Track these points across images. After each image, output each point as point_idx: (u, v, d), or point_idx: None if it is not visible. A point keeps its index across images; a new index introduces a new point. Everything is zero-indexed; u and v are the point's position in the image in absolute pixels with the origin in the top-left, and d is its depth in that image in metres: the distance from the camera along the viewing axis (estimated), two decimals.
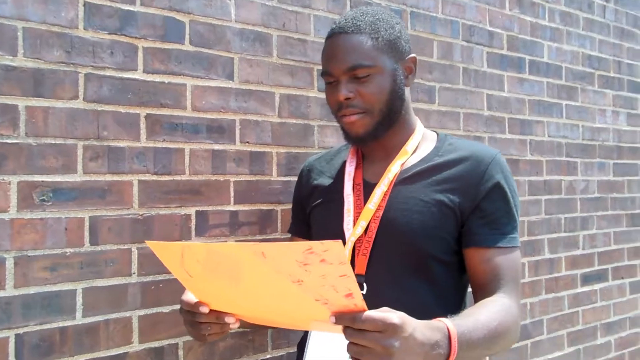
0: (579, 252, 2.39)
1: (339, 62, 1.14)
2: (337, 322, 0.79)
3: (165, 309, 1.35)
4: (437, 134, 1.27)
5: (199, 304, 0.95)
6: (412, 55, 1.22)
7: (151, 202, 1.34)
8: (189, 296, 0.99)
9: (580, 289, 2.40)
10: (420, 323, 0.83)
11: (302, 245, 0.73)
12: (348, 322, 0.78)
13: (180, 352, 1.37)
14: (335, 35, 1.17)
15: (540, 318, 2.23)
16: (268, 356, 1.51)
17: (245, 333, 1.47)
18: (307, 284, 0.77)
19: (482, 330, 0.95)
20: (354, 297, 0.77)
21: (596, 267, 2.47)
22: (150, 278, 1.33)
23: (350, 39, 1.14)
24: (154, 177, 1.35)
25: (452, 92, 1.98)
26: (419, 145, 1.23)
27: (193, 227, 1.40)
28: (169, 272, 1.34)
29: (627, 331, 2.61)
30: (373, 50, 1.14)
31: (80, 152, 1.25)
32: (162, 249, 0.93)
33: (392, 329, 0.77)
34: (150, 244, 0.89)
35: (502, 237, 1.12)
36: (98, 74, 1.28)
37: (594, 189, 2.49)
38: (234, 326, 0.97)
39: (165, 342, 1.35)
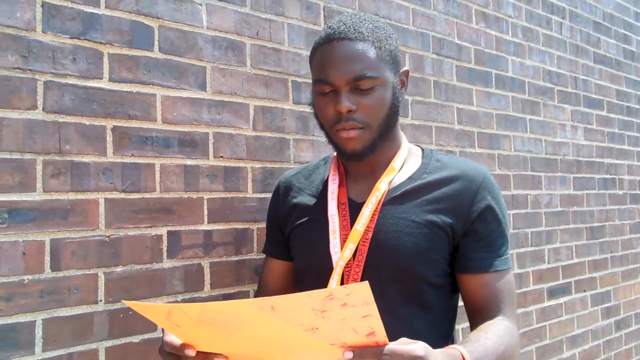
0: (544, 266, 2.41)
1: (342, 70, 1.05)
2: (355, 358, 0.72)
3: (135, 339, 1.23)
4: (422, 149, 1.22)
5: (184, 346, 0.86)
6: (406, 68, 1.16)
7: (119, 223, 1.23)
8: (172, 337, 0.89)
9: (546, 303, 2.41)
10: (440, 352, 0.78)
11: (321, 293, 0.67)
12: (371, 357, 0.72)
13: None
14: (335, 41, 1.07)
15: None
16: None
17: None
18: (323, 331, 0.70)
19: (492, 355, 0.92)
20: (376, 335, 0.70)
21: (561, 281, 2.49)
22: (118, 306, 1.21)
23: (354, 46, 1.06)
24: (122, 195, 1.23)
25: (425, 106, 1.96)
26: (405, 161, 1.17)
27: (165, 248, 1.29)
28: (139, 299, 1.24)
29: (589, 344, 2.64)
30: (377, 61, 1.06)
31: (39, 168, 1.13)
32: (145, 310, 0.83)
33: None
34: (130, 304, 0.79)
35: (498, 259, 1.09)
36: (59, 82, 1.17)
37: (557, 203, 2.52)
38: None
39: None
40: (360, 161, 1.12)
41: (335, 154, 1.22)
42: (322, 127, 1.14)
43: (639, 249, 3.06)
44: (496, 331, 0.99)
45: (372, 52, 1.06)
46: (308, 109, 1.60)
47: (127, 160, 1.25)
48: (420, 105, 1.94)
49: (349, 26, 1.08)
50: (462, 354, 0.84)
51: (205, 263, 1.36)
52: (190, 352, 0.85)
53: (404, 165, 1.16)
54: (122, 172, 1.24)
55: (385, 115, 1.09)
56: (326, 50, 1.09)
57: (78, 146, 1.18)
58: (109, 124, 1.23)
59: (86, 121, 1.20)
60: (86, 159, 1.19)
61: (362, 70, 1.04)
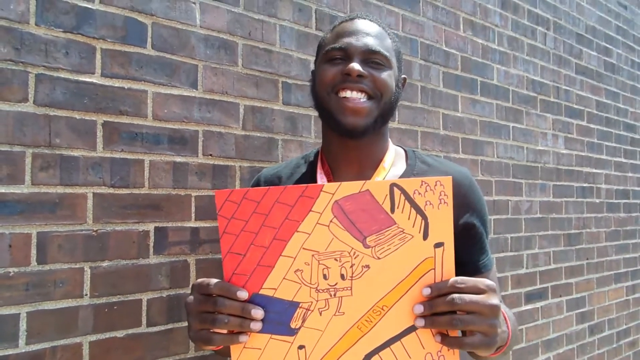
0: (523, 271, 2.46)
1: (360, 40, 1.06)
2: (432, 294, 0.80)
3: (120, 334, 1.23)
4: (405, 150, 1.23)
5: (236, 287, 0.83)
6: (404, 76, 1.18)
7: (107, 217, 1.23)
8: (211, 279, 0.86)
9: (524, 307, 2.46)
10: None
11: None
12: (445, 289, 0.79)
13: None
14: (357, 19, 1.10)
15: None
16: None
17: (204, 357, 1.38)
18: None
19: (509, 313, 0.98)
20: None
21: (538, 286, 2.54)
22: (103, 300, 1.21)
23: (374, 26, 1.10)
24: (111, 190, 1.24)
25: (411, 111, 1.98)
26: (392, 162, 1.19)
27: (151, 244, 1.30)
28: (125, 294, 1.24)
29: (564, 347, 2.70)
30: (390, 49, 1.10)
31: (28, 160, 1.13)
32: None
33: (491, 290, 0.80)
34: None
35: (489, 260, 1.12)
36: (51, 75, 1.17)
37: (537, 209, 2.57)
38: (255, 327, 0.83)
39: None
40: (353, 138, 1.07)
41: (319, 149, 1.20)
42: (318, 97, 1.10)
43: (613, 256, 3.13)
44: (510, 315, 1.03)
45: (388, 40, 1.10)
46: (297, 110, 1.62)
47: (117, 155, 1.25)
48: (407, 110, 1.96)
49: (365, 15, 1.13)
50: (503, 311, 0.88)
51: (192, 260, 1.37)
52: (243, 294, 0.82)
53: (392, 166, 1.17)
54: (111, 167, 1.24)
55: (389, 99, 1.08)
56: (347, 24, 1.11)
57: (68, 140, 1.18)
58: (100, 119, 1.23)
59: (77, 115, 1.20)
60: (76, 153, 1.19)
61: (380, 45, 1.07)
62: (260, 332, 0.84)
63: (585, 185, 2.92)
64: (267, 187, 0.86)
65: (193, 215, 1.37)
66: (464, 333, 0.83)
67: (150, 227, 1.30)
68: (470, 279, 0.81)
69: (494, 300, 0.80)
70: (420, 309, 0.81)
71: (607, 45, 3.23)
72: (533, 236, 2.53)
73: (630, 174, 3.35)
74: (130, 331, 1.25)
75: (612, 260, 3.12)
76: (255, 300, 0.84)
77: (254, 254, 0.85)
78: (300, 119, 1.62)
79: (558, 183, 2.72)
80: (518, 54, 2.54)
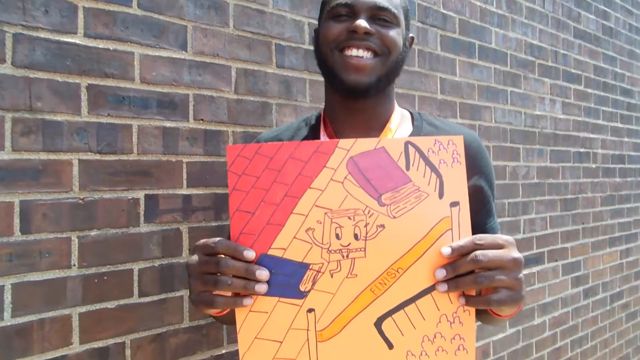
0: (520, 236, 2.44)
1: None
2: (453, 254, 0.77)
3: (111, 304, 1.20)
4: (410, 112, 1.19)
5: (243, 247, 0.79)
6: (412, 35, 1.12)
7: (94, 185, 1.18)
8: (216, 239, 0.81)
9: None
10: None
11: None
12: (467, 247, 0.76)
13: (128, 352, 1.22)
14: None
15: None
16: (224, 351, 1.40)
17: (199, 327, 1.35)
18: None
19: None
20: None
21: (534, 251, 2.53)
22: (92, 270, 1.17)
23: None
24: (97, 157, 1.18)
25: (408, 74, 1.93)
26: (398, 125, 1.14)
27: (142, 212, 1.25)
28: (115, 264, 1.20)
29: (559, 311, 2.71)
30: (399, 7, 1.04)
31: (8, 125, 1.07)
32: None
33: (511, 244, 0.78)
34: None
35: (496, 224, 1.10)
36: (30, 35, 1.10)
37: (534, 175, 2.54)
38: (260, 289, 0.78)
39: (111, 342, 1.20)
40: (355, 97, 1.03)
41: (320, 112, 1.16)
42: (321, 55, 1.04)
43: (608, 220, 3.12)
44: None
45: None
46: (291, 73, 1.56)
47: (103, 120, 1.19)
48: (404, 74, 1.90)
49: None
50: None
51: (184, 228, 1.32)
52: (250, 254, 0.78)
53: (399, 127, 1.13)
54: (97, 133, 1.18)
55: (396, 58, 1.03)
56: None
57: (50, 104, 1.12)
58: (84, 81, 1.17)
59: (59, 78, 1.13)
60: (59, 117, 1.13)
61: (387, 2, 1.01)
62: (267, 295, 0.80)
63: (581, 150, 2.89)
64: (281, 142, 0.82)
65: (185, 182, 1.33)
66: (479, 293, 0.80)
67: (140, 194, 1.25)
68: (488, 235, 0.79)
69: (516, 253, 0.78)
70: (442, 273, 0.78)
71: (606, 9, 3.16)
72: (530, 201, 2.51)
73: (626, 139, 3.32)
74: (121, 302, 1.22)
75: (607, 225, 3.12)
76: (263, 261, 0.80)
77: (264, 211, 0.81)
78: (295, 83, 1.56)
79: (555, 148, 2.69)
80: (516, 17, 2.47)
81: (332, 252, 0.80)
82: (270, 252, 0.80)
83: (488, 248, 0.77)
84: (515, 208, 2.41)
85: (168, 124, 1.30)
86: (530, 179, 2.51)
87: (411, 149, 0.81)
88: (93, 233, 1.18)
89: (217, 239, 0.81)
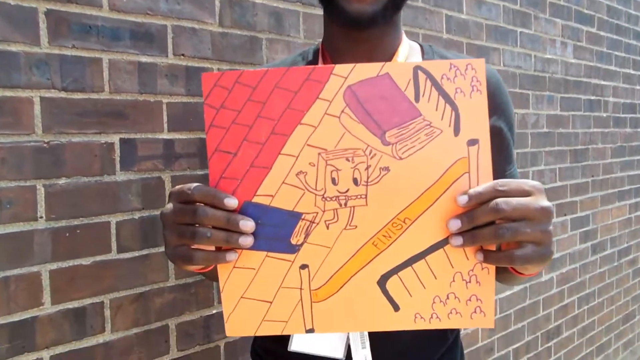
0: None
1: None
2: (470, 202, 0.64)
3: (85, 261, 1.07)
4: (420, 45, 1.04)
5: (223, 193, 0.67)
6: None
7: (60, 127, 1.04)
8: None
9: None
10: None
11: None
12: (487, 194, 0.64)
13: (107, 313, 1.11)
14: None
15: None
16: (214, 311, 1.28)
17: (187, 285, 1.23)
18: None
19: None
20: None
21: None
22: (63, 223, 1.04)
23: None
24: (63, 94, 1.04)
25: (412, 10, 1.76)
26: (407, 57, 1.00)
27: (117, 158, 1.11)
28: (89, 216, 1.07)
29: (567, 267, 2.61)
30: None
31: None
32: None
33: (539, 191, 0.65)
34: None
35: (516, 171, 0.98)
36: None
37: (543, 124, 2.40)
38: (245, 242, 0.67)
39: (87, 301, 1.08)
40: (359, 29, 0.90)
41: (318, 46, 1.02)
42: None
43: (618, 173, 3.00)
44: None
45: None
46: (283, 5, 1.39)
47: (67, 52, 1.04)
48: (407, 9, 1.74)
49: None
50: None
51: (166, 176, 1.19)
52: (232, 202, 0.66)
53: (407, 60, 0.99)
54: (61, 67, 1.03)
55: None
56: None
57: (3, 32, 0.97)
58: (42, 6, 1.01)
59: (11, 1, 0.98)
60: (14, 47, 0.98)
61: None
62: (253, 249, 0.68)
63: (592, 98, 2.74)
64: (265, 68, 0.68)
65: (165, 125, 1.18)
66: (499, 248, 0.67)
67: (115, 138, 1.11)
68: (512, 180, 0.65)
69: (545, 202, 0.64)
70: (456, 224, 0.64)
71: None
72: (539, 152, 2.37)
73: (638, 87, 3.17)
74: (98, 258, 1.09)
75: (617, 178, 2.99)
76: (247, 210, 0.68)
77: (247, 152, 0.68)
78: (287, 16, 1.40)
79: (566, 95, 2.54)
80: None
81: (328, 199, 0.68)
82: (256, 199, 0.68)
83: (512, 195, 0.64)
84: (523, 159, 2.28)
85: (144, 59, 1.15)
86: (539, 128, 2.37)
87: (421, 76, 0.67)
88: (62, 181, 1.04)
89: (194, 184, 0.68)
